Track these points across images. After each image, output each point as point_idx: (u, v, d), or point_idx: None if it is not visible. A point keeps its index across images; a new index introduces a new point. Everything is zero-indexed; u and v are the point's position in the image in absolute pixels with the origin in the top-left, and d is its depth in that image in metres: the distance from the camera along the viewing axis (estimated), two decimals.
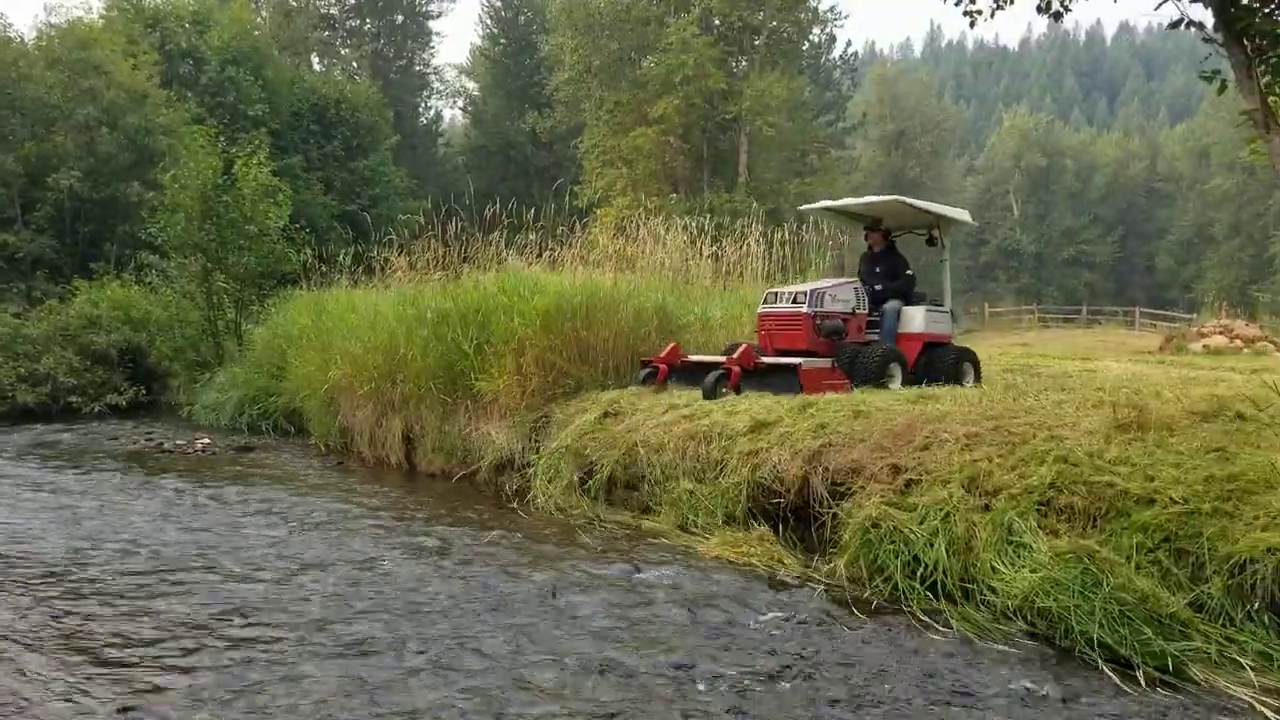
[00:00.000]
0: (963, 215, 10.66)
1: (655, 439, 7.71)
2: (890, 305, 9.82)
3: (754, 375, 8.55)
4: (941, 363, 9.65)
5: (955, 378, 9.57)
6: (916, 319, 9.81)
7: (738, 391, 8.43)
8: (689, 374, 8.92)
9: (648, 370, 9.16)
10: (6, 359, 17.60)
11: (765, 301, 9.72)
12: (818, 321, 9.23)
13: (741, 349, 8.72)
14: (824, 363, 8.86)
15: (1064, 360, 14.97)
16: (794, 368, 8.46)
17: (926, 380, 9.13)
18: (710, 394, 8.25)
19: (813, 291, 9.36)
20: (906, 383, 9.12)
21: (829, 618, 5.14)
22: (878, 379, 8.84)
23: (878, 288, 9.98)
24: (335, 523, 7.85)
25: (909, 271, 10.13)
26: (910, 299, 9.99)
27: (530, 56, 50.05)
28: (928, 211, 10.26)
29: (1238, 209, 54.70)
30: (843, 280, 10.18)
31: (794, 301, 9.36)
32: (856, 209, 10.42)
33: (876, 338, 9.68)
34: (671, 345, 9.30)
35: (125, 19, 33.10)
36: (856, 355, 9.00)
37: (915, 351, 9.63)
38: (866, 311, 9.77)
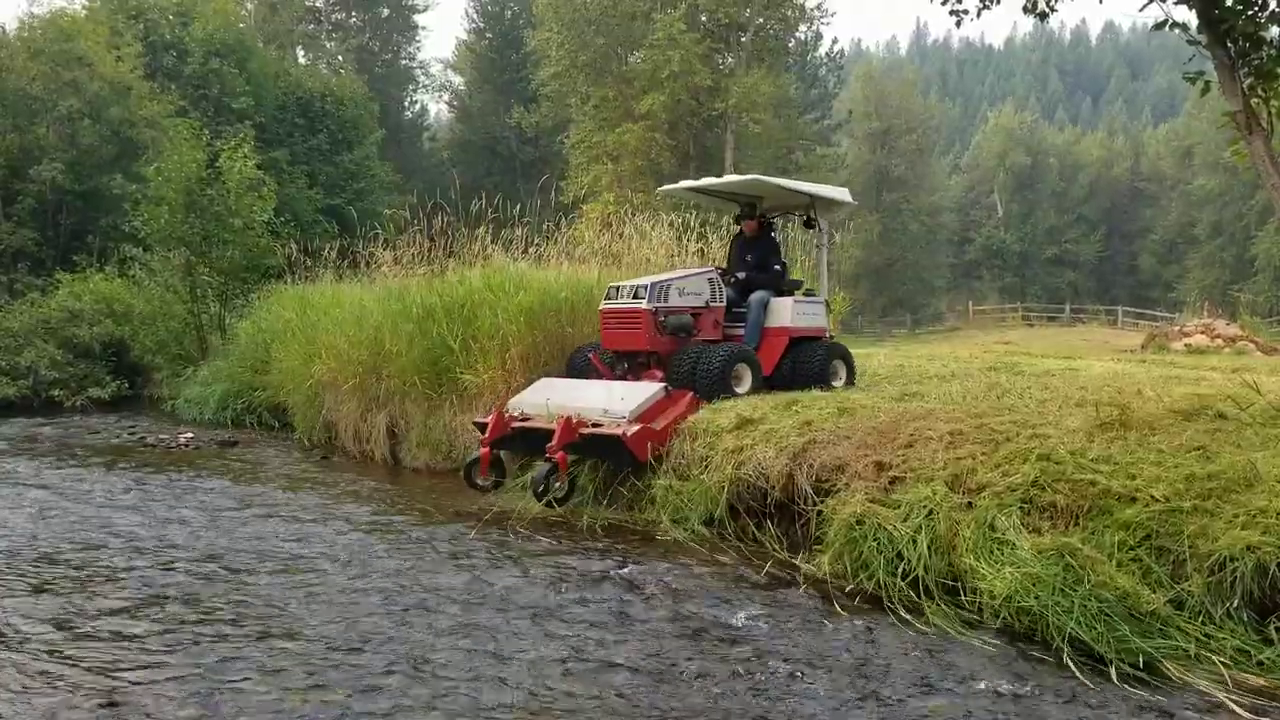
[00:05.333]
0: (840, 195, 9.70)
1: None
2: (757, 297, 8.91)
3: (580, 448, 7.53)
4: (808, 361, 8.71)
5: (823, 378, 8.66)
6: (782, 311, 8.87)
7: (572, 487, 7.70)
8: (524, 438, 7.96)
9: (472, 458, 8.15)
10: None
11: (606, 297, 8.63)
12: (660, 318, 8.25)
13: (561, 423, 7.36)
14: (651, 395, 7.62)
15: (1047, 359, 15.00)
16: (617, 440, 7.17)
17: (792, 383, 8.45)
18: (542, 491, 7.38)
19: (654, 284, 8.33)
20: (771, 385, 8.39)
21: (812, 614, 5.16)
22: (720, 386, 7.91)
23: (740, 275, 9.19)
24: (320, 518, 7.83)
25: (782, 261, 9.37)
26: (781, 292, 9.12)
27: (516, 51, 49.99)
28: (797, 191, 9.51)
29: (1220, 209, 54.94)
30: (695, 270, 9.26)
31: (634, 296, 8.31)
32: (717, 188, 9.64)
33: (741, 332, 8.81)
34: (494, 414, 8.05)
35: (108, 10, 32.83)
36: (698, 359, 8.02)
37: (780, 348, 8.72)
38: (724, 305, 8.81)
